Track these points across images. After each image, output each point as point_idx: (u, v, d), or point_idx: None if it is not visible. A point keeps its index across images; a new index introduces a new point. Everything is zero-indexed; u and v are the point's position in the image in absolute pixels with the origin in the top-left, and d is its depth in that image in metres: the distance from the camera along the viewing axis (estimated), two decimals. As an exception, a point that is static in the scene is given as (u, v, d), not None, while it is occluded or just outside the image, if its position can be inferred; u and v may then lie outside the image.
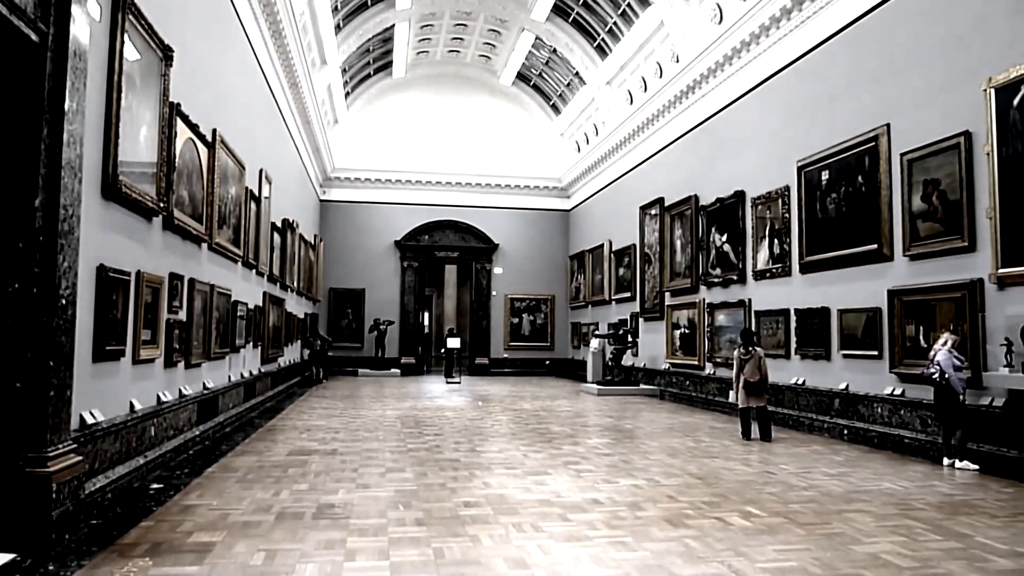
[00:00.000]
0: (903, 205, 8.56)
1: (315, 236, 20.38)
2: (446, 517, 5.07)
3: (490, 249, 23.29)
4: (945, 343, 7.33)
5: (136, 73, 5.94)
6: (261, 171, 11.84)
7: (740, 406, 9.44)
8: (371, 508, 5.30)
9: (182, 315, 7.48)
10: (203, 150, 8.05)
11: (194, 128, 7.62)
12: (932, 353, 7.45)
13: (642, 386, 16.20)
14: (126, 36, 5.63)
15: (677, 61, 14.85)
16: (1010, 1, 7.28)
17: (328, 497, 5.62)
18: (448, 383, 18.94)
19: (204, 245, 8.37)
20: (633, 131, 17.59)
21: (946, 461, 7.39)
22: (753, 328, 11.64)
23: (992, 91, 7.23)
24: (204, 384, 8.51)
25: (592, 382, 17.24)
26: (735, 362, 9.61)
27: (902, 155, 8.58)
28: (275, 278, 13.43)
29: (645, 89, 16.82)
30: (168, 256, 7.04)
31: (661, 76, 15.81)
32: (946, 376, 7.17)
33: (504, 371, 22.94)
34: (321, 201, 22.25)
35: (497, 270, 23.37)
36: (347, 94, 21.42)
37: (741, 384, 9.38)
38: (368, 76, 21.94)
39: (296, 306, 16.79)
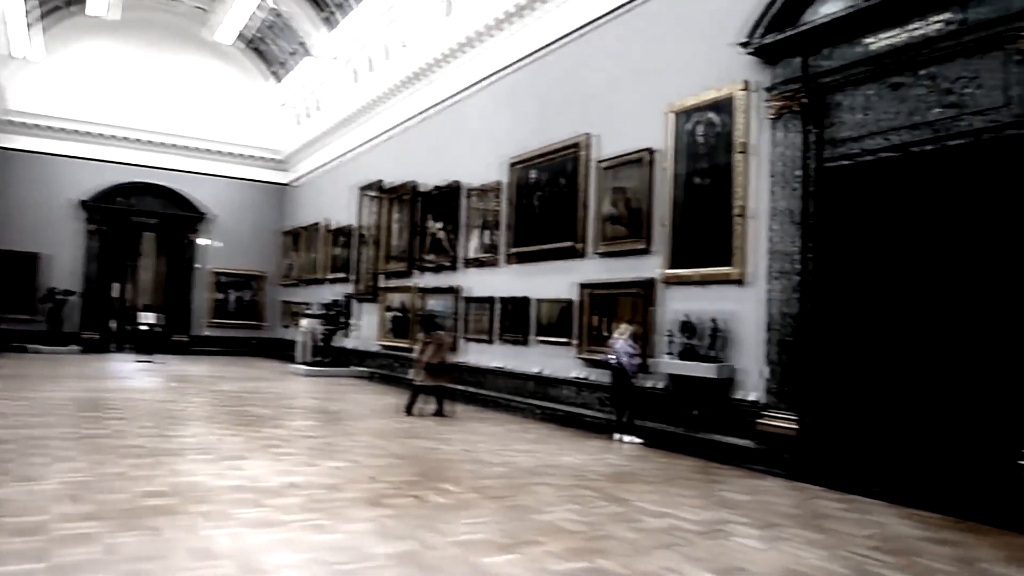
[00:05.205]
0: (597, 208, 9.51)
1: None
2: (123, 509, 4.59)
3: (196, 219, 21.46)
4: (623, 333, 8.30)
5: None
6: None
7: (418, 383, 9.91)
8: (30, 504, 4.64)
9: None
10: None
11: None
12: (612, 341, 8.39)
13: (354, 368, 16.12)
14: None
15: (404, 47, 14.92)
16: (693, 39, 8.35)
17: (-29, 493, 4.80)
18: (140, 362, 17.20)
19: None
20: (358, 110, 17.32)
21: (617, 436, 8.37)
22: (458, 312, 12.19)
23: (672, 115, 8.31)
24: None
25: (301, 363, 16.77)
26: (419, 345, 10.11)
27: (598, 163, 9.53)
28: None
29: (371, 70, 16.66)
30: None
31: (388, 59, 15.78)
32: (621, 362, 8.13)
33: (208, 350, 21.29)
34: (-11, 147, 18.81)
35: (203, 241, 21.63)
36: (29, 25, 18.27)
37: (423, 366, 9.85)
38: (59, 8, 18.90)
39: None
